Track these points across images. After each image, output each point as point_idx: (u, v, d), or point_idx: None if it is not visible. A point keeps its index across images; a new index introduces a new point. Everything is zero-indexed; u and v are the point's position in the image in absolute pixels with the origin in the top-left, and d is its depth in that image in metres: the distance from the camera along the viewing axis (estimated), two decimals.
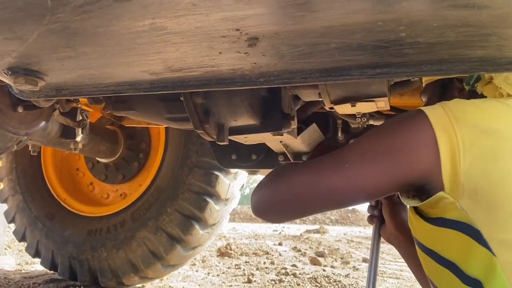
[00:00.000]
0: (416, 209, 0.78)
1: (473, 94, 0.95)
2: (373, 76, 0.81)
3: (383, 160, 0.72)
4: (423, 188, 0.72)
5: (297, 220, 14.01)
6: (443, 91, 1.08)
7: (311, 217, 14.70)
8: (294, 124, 1.37)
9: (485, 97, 0.90)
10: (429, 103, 1.10)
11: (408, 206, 0.82)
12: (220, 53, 0.78)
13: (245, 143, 1.63)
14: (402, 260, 1.21)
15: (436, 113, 0.72)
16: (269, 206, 0.81)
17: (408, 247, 1.13)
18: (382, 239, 1.24)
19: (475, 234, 0.67)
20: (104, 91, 1.00)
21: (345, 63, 0.80)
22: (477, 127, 0.69)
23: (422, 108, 0.74)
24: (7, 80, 0.91)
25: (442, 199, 0.70)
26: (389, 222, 1.19)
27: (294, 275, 4.10)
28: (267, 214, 0.83)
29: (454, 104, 0.74)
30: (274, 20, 0.66)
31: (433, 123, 0.70)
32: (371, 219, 1.28)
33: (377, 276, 1.20)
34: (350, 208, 16.48)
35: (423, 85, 1.15)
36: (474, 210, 0.67)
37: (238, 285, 3.67)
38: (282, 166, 0.97)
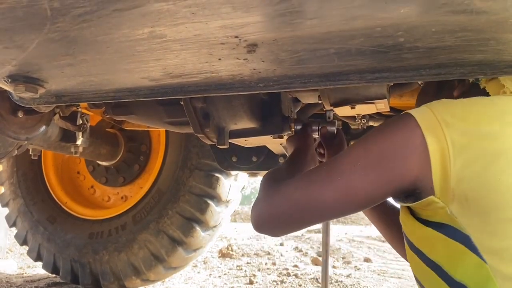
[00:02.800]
0: (408, 208, 0.78)
1: (474, 87, 0.91)
2: (372, 80, 0.81)
3: (374, 171, 0.70)
4: (414, 192, 0.71)
5: None
6: (440, 87, 1.04)
7: None
8: (294, 127, 1.37)
9: (487, 93, 0.87)
10: (423, 100, 1.07)
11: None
12: (219, 59, 0.79)
13: (245, 146, 1.63)
14: (403, 259, 1.21)
15: (425, 117, 0.69)
16: (268, 221, 0.80)
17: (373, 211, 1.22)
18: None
19: (465, 240, 0.66)
20: (104, 98, 1.00)
21: (344, 68, 0.81)
22: (467, 129, 0.67)
23: (410, 111, 0.72)
24: (7, 87, 0.92)
25: (432, 203, 0.69)
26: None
27: (296, 275, 4.10)
28: (268, 229, 0.82)
29: (442, 106, 0.71)
30: (273, 27, 0.66)
31: (422, 127, 0.68)
32: None
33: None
34: None
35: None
36: (464, 216, 0.66)
37: (240, 287, 3.67)
38: (274, 173, 0.96)
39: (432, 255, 0.72)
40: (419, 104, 1.02)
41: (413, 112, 0.71)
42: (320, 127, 1.30)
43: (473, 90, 0.89)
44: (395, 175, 0.70)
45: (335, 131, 1.30)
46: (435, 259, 0.71)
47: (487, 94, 0.84)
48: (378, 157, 0.71)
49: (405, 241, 0.81)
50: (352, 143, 1.16)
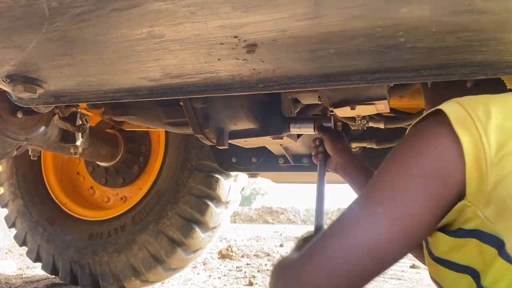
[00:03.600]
0: None
1: (488, 79, 0.84)
2: (372, 81, 0.80)
3: (420, 192, 0.61)
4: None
5: (298, 221, 14.01)
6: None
7: (312, 218, 14.69)
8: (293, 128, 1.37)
9: (506, 88, 0.82)
10: (435, 97, 0.98)
11: None
12: (218, 59, 0.78)
13: (245, 147, 1.63)
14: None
15: (458, 115, 0.62)
16: None
17: (353, 173, 1.23)
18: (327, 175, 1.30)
19: (498, 245, 0.61)
20: (103, 98, 1.00)
21: (344, 68, 0.80)
22: (504, 128, 0.60)
23: (441, 108, 0.64)
24: (6, 88, 0.91)
25: (464, 209, 0.62)
26: (333, 154, 1.26)
27: None
28: None
29: (473, 101, 0.64)
30: (272, 27, 0.66)
31: (455, 128, 0.61)
32: (316, 156, 1.33)
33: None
34: None
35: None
36: (500, 220, 0.60)
37: None
38: (301, 243, 0.82)
39: (465, 262, 0.66)
40: (432, 102, 0.97)
41: (444, 109, 0.63)
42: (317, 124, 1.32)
43: (487, 81, 0.83)
44: (442, 189, 0.61)
45: (331, 126, 1.32)
46: (469, 264, 0.65)
47: (501, 85, 0.80)
48: (418, 177, 0.62)
49: (426, 255, 0.75)
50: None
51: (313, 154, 1.36)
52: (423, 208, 0.61)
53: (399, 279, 4.35)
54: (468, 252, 0.65)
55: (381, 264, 0.62)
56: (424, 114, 0.67)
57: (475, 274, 0.65)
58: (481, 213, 0.61)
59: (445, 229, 0.67)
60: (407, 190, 0.62)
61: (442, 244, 0.68)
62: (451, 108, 0.63)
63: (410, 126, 0.68)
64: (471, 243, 0.63)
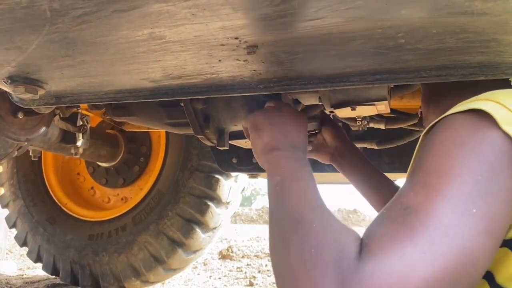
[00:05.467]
0: None
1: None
2: (372, 82, 0.81)
3: (500, 187, 0.52)
4: None
5: None
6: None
7: None
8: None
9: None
10: (447, 99, 0.92)
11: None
12: (219, 60, 0.78)
13: (245, 148, 1.63)
14: None
15: (502, 114, 0.55)
16: None
17: (351, 159, 1.26)
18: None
19: None
20: (104, 99, 1.00)
21: (344, 69, 0.80)
22: None
23: (478, 107, 0.56)
24: (7, 88, 0.92)
25: None
26: (333, 140, 1.28)
27: None
28: None
29: (506, 97, 0.58)
30: (273, 28, 0.66)
31: (503, 127, 0.54)
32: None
33: None
34: (351, 208, 16.41)
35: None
36: None
37: None
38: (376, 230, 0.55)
39: (498, 274, 0.59)
40: (428, 100, 0.94)
41: (485, 108, 0.56)
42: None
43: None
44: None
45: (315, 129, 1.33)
46: (498, 277, 0.59)
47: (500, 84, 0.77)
48: (489, 173, 0.52)
49: None
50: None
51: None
52: (504, 203, 0.52)
53: None
54: (503, 264, 0.59)
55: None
56: (449, 112, 0.60)
57: (488, 276, 0.60)
58: None
59: None
60: (491, 182, 0.52)
61: None
62: (491, 107, 0.56)
63: (431, 125, 0.61)
64: (508, 254, 0.57)
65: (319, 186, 0.72)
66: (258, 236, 7.95)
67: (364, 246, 0.51)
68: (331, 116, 1.35)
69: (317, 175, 1.35)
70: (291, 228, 0.58)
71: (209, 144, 1.40)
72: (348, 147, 1.29)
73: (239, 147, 1.60)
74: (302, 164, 0.75)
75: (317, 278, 0.49)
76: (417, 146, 0.64)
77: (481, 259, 0.49)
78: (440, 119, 0.61)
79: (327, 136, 1.31)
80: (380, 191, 1.20)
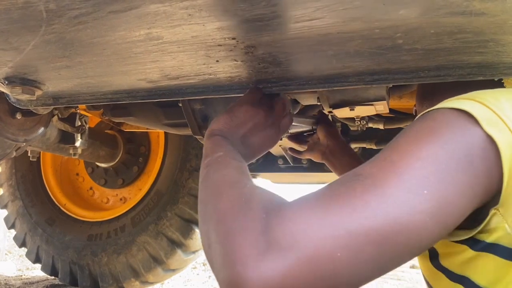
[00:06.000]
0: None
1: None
2: (370, 82, 0.80)
3: (463, 180, 0.51)
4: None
5: None
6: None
7: None
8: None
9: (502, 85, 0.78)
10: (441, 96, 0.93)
11: None
12: (217, 61, 0.78)
13: None
14: None
15: (479, 112, 0.54)
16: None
17: (342, 156, 1.28)
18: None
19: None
20: (101, 99, 1.00)
21: (342, 69, 0.80)
22: None
23: (464, 108, 0.55)
24: (4, 89, 0.91)
25: (492, 217, 0.55)
26: (326, 138, 1.31)
27: None
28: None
29: (491, 96, 0.57)
30: (270, 28, 0.65)
31: (482, 123, 0.53)
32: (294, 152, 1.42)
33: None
34: None
35: None
36: None
37: None
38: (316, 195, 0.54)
39: (476, 279, 0.59)
40: (438, 102, 0.91)
41: (465, 108, 0.55)
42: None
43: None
44: (481, 179, 0.52)
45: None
46: (478, 282, 0.59)
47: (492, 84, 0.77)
48: (450, 162, 0.51)
49: (428, 262, 0.69)
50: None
51: (293, 150, 1.43)
52: (464, 197, 0.51)
53: (399, 279, 4.35)
54: (483, 268, 0.58)
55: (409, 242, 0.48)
56: (436, 106, 0.59)
57: (468, 282, 0.60)
58: (508, 226, 0.54)
59: (460, 241, 0.60)
60: (454, 173, 0.50)
61: (458, 257, 0.60)
62: (475, 107, 0.55)
63: (423, 114, 0.60)
64: (488, 258, 0.56)
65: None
66: None
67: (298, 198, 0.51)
68: (330, 116, 1.36)
69: (315, 175, 1.35)
70: (226, 187, 0.57)
71: None
72: (340, 146, 1.30)
73: None
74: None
75: (245, 220, 0.49)
76: None
77: (418, 235, 0.48)
78: (424, 113, 0.60)
79: (321, 135, 1.33)
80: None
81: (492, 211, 0.54)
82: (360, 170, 0.54)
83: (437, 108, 0.59)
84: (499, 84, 0.79)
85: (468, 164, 0.51)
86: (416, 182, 0.49)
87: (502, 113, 0.54)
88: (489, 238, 0.56)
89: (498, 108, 0.55)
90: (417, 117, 0.61)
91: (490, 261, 0.56)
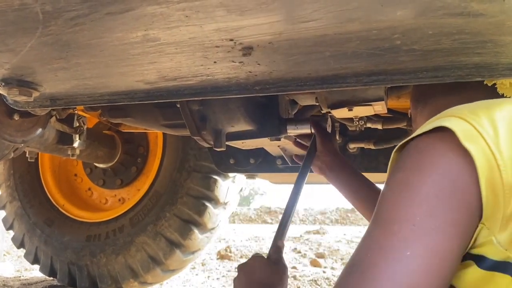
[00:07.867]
0: None
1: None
2: (368, 83, 0.80)
3: (441, 223, 0.53)
4: None
5: (297, 221, 14.02)
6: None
7: (310, 218, 14.70)
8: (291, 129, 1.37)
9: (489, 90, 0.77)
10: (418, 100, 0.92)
11: None
12: (214, 62, 0.78)
13: (242, 148, 1.63)
14: None
15: (464, 131, 0.54)
16: None
17: (340, 173, 1.26)
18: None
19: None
20: (99, 101, 0.99)
21: (340, 70, 0.80)
22: None
23: (442, 124, 0.56)
24: (1, 91, 0.91)
25: (480, 231, 0.55)
26: (322, 152, 1.29)
27: (294, 277, 4.09)
28: None
29: (475, 115, 0.56)
30: (268, 30, 0.65)
31: (465, 144, 0.53)
32: (297, 157, 1.42)
33: None
34: (349, 207, 16.45)
35: None
36: None
37: None
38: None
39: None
40: (431, 105, 0.86)
41: (447, 124, 0.56)
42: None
43: (472, 83, 0.79)
44: (465, 217, 0.53)
45: (327, 127, 1.35)
46: None
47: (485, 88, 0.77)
48: (436, 203, 0.53)
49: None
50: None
51: (294, 154, 1.40)
52: (450, 238, 0.53)
53: None
54: (467, 277, 0.57)
55: None
56: (417, 132, 0.60)
57: None
58: (495, 238, 0.54)
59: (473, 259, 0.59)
60: (430, 221, 0.53)
61: (472, 277, 0.59)
62: (454, 123, 0.56)
63: (402, 143, 0.61)
64: (497, 277, 0.55)
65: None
66: (257, 236, 7.95)
67: None
68: (327, 127, 1.36)
69: (316, 175, 1.35)
70: None
71: (206, 145, 1.39)
72: (336, 161, 1.29)
73: (237, 147, 1.59)
74: None
75: None
76: (389, 163, 0.62)
77: None
78: (409, 140, 0.61)
79: (318, 147, 1.32)
80: (367, 203, 1.22)
81: (480, 226, 0.55)
82: (354, 256, 0.58)
83: (419, 136, 0.59)
84: (492, 89, 0.78)
85: (447, 202, 0.54)
86: (397, 249, 0.53)
87: (479, 126, 0.55)
88: (489, 254, 0.56)
89: (476, 121, 0.56)
90: (402, 149, 0.61)
91: (474, 271, 0.57)
